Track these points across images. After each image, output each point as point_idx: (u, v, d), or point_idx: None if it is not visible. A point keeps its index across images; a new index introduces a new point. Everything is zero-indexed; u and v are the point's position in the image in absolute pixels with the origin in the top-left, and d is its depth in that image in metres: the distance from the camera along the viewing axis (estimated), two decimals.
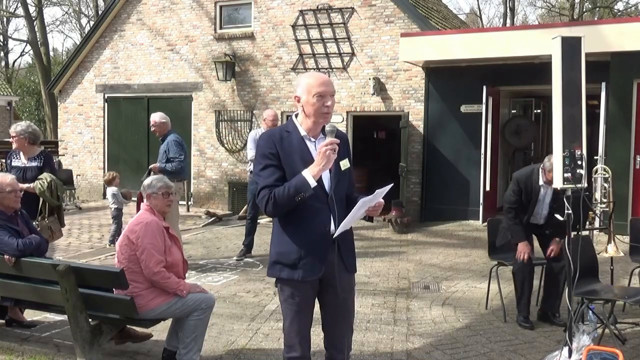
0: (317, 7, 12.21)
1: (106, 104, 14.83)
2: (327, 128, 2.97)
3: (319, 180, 2.93)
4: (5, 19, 36.91)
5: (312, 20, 12.30)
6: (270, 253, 3.11)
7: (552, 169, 4.79)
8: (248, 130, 12.74)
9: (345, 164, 3.09)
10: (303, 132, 3.04)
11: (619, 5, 30.28)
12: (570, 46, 3.92)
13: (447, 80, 11.23)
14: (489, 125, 10.67)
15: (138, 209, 5.59)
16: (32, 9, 27.69)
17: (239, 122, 13.18)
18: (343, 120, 11.98)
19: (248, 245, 8.13)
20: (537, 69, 9.55)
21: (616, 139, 9.57)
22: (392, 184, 3.12)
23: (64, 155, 15.22)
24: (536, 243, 5.64)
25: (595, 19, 28.29)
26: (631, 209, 9.44)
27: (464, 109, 11.09)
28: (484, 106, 10.55)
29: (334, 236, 2.99)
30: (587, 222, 6.76)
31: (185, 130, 13.19)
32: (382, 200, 3.03)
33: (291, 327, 3.08)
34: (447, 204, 11.13)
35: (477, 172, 10.77)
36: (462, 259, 8.11)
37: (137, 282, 4.16)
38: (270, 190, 2.93)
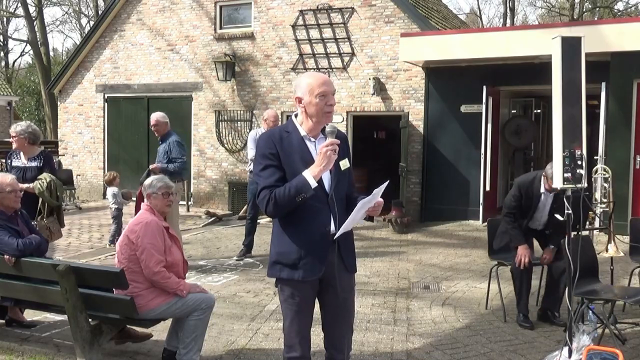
0: (317, 7, 12.21)
1: (106, 104, 14.83)
2: (328, 129, 2.97)
3: (319, 181, 2.93)
4: (5, 19, 36.92)
5: (312, 20, 12.30)
6: (270, 253, 3.11)
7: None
8: (248, 130, 12.74)
9: (345, 164, 3.09)
10: (303, 132, 3.04)
11: (619, 5, 30.32)
12: (570, 46, 3.92)
13: (447, 80, 11.23)
14: (489, 125, 10.67)
15: (138, 208, 5.60)
16: (32, 9, 27.70)
17: (239, 122, 13.19)
18: (343, 120, 11.98)
19: (248, 245, 8.13)
20: (537, 69, 9.55)
21: (616, 139, 9.57)
22: (388, 181, 3.12)
23: (64, 155, 15.22)
24: (536, 243, 5.65)
25: (595, 19, 28.29)
26: (631, 209, 9.44)
27: (464, 109, 11.09)
28: (484, 106, 10.55)
29: (335, 238, 2.99)
30: (587, 222, 6.76)
31: (185, 130, 13.20)
32: (381, 200, 3.03)
33: (291, 327, 3.08)
34: (447, 204, 11.13)
35: (477, 172, 10.77)
36: (462, 259, 8.11)
37: (137, 282, 4.16)
38: (271, 191, 2.93)
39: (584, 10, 29.40)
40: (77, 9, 36.73)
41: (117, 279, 4.09)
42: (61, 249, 8.39)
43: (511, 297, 5.56)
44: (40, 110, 31.02)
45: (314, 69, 12.13)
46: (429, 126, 11.44)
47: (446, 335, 5.07)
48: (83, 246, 9.03)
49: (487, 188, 10.65)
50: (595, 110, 10.36)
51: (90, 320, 4.25)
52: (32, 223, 5.18)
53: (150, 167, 7.16)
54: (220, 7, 13.40)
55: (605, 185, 8.33)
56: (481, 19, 36.53)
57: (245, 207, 9.84)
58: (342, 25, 12.04)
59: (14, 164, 5.88)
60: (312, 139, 3.05)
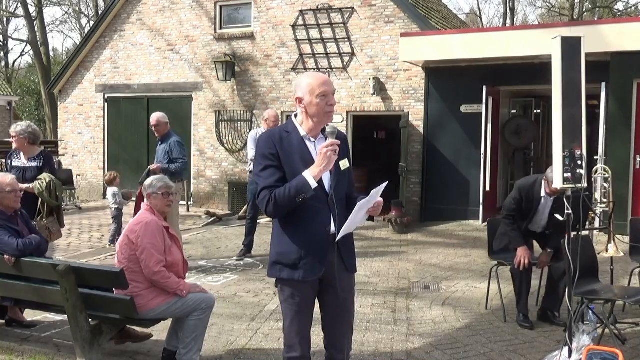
0: (317, 7, 12.21)
1: (106, 104, 14.83)
2: (328, 129, 2.97)
3: (319, 181, 2.93)
4: (5, 19, 36.92)
5: (312, 20, 12.31)
6: (270, 253, 3.11)
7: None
8: (248, 130, 12.74)
9: (344, 164, 3.09)
10: (303, 133, 3.04)
11: (619, 5, 30.33)
12: (570, 46, 3.92)
13: (447, 80, 11.23)
14: (489, 125, 10.67)
15: (138, 208, 5.60)
16: (32, 9, 27.70)
17: (239, 122, 13.19)
18: (343, 120, 11.98)
19: (248, 245, 8.13)
20: (537, 69, 9.54)
21: (616, 139, 9.57)
22: (387, 182, 3.12)
23: (64, 155, 15.22)
24: (536, 244, 5.65)
25: (595, 19, 28.29)
26: (631, 209, 9.44)
27: (464, 109, 11.09)
28: (484, 106, 10.55)
29: (337, 240, 2.99)
30: (587, 222, 6.75)
31: (185, 130, 13.20)
32: (381, 199, 3.03)
33: (291, 327, 3.08)
34: (447, 204, 11.13)
35: (477, 172, 10.77)
36: (462, 259, 8.11)
37: (137, 282, 4.16)
38: (271, 191, 2.93)
39: (584, 10, 29.40)
40: (77, 9, 36.75)
41: (117, 279, 4.09)
42: (61, 249, 8.39)
43: (511, 297, 5.56)
44: (40, 110, 31.03)
45: (314, 69, 12.13)
46: (429, 126, 11.44)
47: (446, 335, 5.07)
48: (83, 246, 9.03)
49: (487, 188, 10.65)
50: (595, 110, 10.36)
51: (90, 320, 4.25)
52: (32, 223, 5.18)
53: (151, 167, 7.14)
54: (220, 7, 13.40)
55: (605, 185, 8.33)
56: (481, 19, 36.55)
57: (245, 207, 9.84)
58: (342, 25, 12.04)
59: (14, 164, 5.88)
60: (312, 139, 3.05)
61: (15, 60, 40.39)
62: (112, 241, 8.71)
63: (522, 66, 10.37)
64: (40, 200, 5.69)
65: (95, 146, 15.00)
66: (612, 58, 9.48)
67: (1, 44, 37.48)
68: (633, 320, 5.25)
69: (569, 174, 3.90)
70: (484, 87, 10.50)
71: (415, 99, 11.55)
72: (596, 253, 5.12)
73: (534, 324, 5.21)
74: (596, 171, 8.44)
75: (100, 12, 21.73)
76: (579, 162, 3.91)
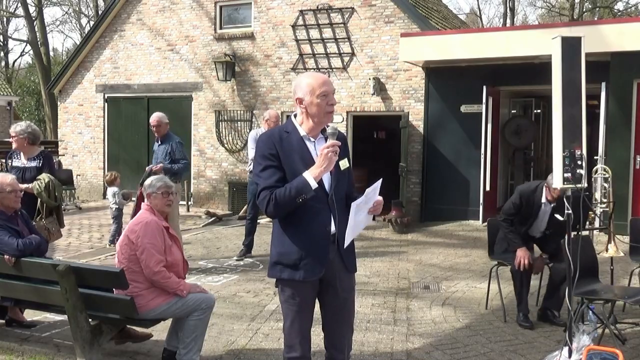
0: (317, 7, 12.21)
1: (106, 104, 14.83)
2: (329, 130, 2.98)
3: (319, 181, 2.93)
4: (5, 19, 36.91)
5: (312, 20, 12.31)
6: (270, 253, 3.11)
7: (556, 187, 4.85)
8: (248, 130, 12.74)
9: (344, 164, 3.09)
10: (303, 133, 3.04)
11: (619, 5, 30.32)
12: (570, 46, 3.92)
13: (447, 80, 11.23)
14: (489, 125, 10.67)
15: (138, 208, 5.60)
16: (32, 9, 27.71)
17: (239, 122, 13.18)
18: (343, 120, 11.98)
19: (248, 245, 8.13)
20: (537, 69, 9.55)
21: (616, 139, 9.57)
22: (381, 179, 3.13)
23: (64, 155, 15.23)
24: (536, 246, 5.65)
25: (595, 19, 28.29)
26: (631, 209, 9.44)
27: (464, 109, 11.09)
28: (484, 106, 10.55)
29: (344, 246, 3.00)
30: (587, 222, 6.75)
31: (185, 130, 13.21)
32: (380, 198, 3.04)
33: (292, 328, 3.08)
34: (447, 204, 11.13)
35: (477, 172, 10.77)
36: (462, 259, 8.11)
37: (137, 282, 4.16)
38: (271, 192, 2.93)
39: (584, 10, 29.40)
40: (77, 9, 36.75)
41: (117, 279, 4.09)
42: (61, 249, 8.39)
43: (511, 297, 5.56)
44: (40, 110, 31.03)
45: (314, 69, 12.13)
46: (429, 126, 11.44)
47: (446, 335, 5.07)
48: (83, 246, 9.03)
49: (487, 188, 10.65)
50: (595, 110, 10.36)
51: (90, 320, 4.25)
52: (32, 223, 5.18)
53: (153, 168, 7.09)
54: (220, 7, 13.40)
55: (605, 185, 8.33)
56: (481, 19, 36.54)
57: (245, 207, 9.84)
58: (342, 25, 12.04)
59: (14, 164, 5.88)
60: (312, 139, 3.05)
61: (15, 60, 40.46)
62: (112, 241, 8.71)
63: (522, 66, 10.37)
64: (39, 200, 5.68)
65: (95, 146, 15.00)
66: (612, 58, 9.48)
67: (1, 44, 37.48)
68: (633, 320, 5.24)
69: (569, 174, 3.90)
70: (484, 87, 10.50)
71: (415, 99, 11.55)
72: (596, 253, 5.12)
73: (534, 324, 5.21)
74: (596, 171, 8.44)
75: (100, 12, 21.74)
76: (579, 162, 3.91)
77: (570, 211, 3.98)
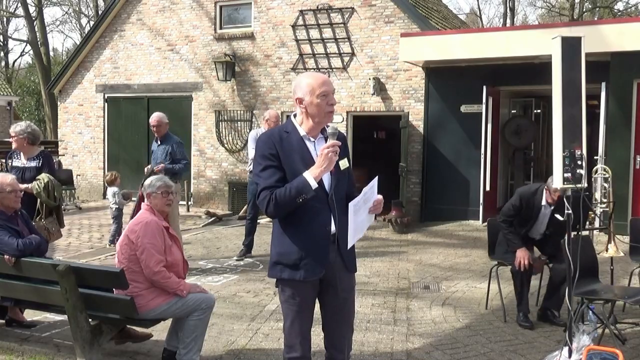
0: (317, 7, 12.21)
1: (106, 104, 14.83)
2: (329, 130, 2.98)
3: (319, 181, 2.93)
4: (5, 19, 36.91)
5: (312, 20, 12.30)
6: (270, 254, 3.11)
7: (556, 190, 4.87)
8: (248, 130, 12.75)
9: (344, 163, 3.09)
10: (302, 132, 3.03)
11: (619, 5, 30.32)
12: (570, 46, 3.92)
13: (447, 80, 11.23)
14: (489, 125, 10.67)
15: (138, 209, 5.60)
16: (32, 9, 27.71)
17: (239, 122, 13.18)
18: (343, 120, 11.98)
19: (248, 245, 8.13)
20: (537, 69, 9.54)
21: (616, 139, 9.57)
22: (376, 177, 3.13)
23: (64, 155, 15.23)
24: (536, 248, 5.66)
25: (595, 19, 28.29)
26: (631, 209, 9.44)
27: (464, 109, 11.09)
28: (484, 106, 10.55)
29: (348, 248, 3.00)
30: (587, 222, 6.76)
31: (185, 130, 13.21)
32: (380, 197, 3.05)
33: (292, 328, 3.08)
34: (447, 204, 11.13)
35: (477, 172, 10.77)
36: (462, 259, 8.11)
37: (137, 282, 4.16)
38: (271, 192, 2.93)
39: (584, 10, 29.40)
40: (77, 9, 36.75)
41: (117, 279, 4.09)
42: (61, 249, 8.39)
43: (511, 297, 5.56)
44: (40, 110, 31.03)
45: (314, 69, 12.14)
46: (429, 126, 11.44)
47: (446, 335, 5.07)
48: (83, 246, 9.03)
49: (487, 188, 10.65)
50: (595, 110, 10.37)
51: (90, 320, 4.25)
52: (32, 223, 5.18)
53: (155, 169, 7.09)
54: (220, 7, 13.39)
55: (605, 185, 8.33)
56: (481, 19, 36.54)
57: (245, 207, 9.84)
58: (342, 25, 12.04)
59: (14, 164, 5.88)
60: (312, 139, 3.05)
61: (15, 60, 40.46)
62: (112, 241, 8.71)
63: (522, 66, 10.37)
64: (39, 200, 5.68)
65: (95, 146, 15.00)
66: (612, 58, 9.48)
67: (1, 44, 37.48)
68: (633, 320, 5.24)
69: (569, 174, 3.90)
70: (484, 87, 10.50)
71: (415, 99, 11.55)
72: (596, 253, 5.12)
73: (534, 324, 5.21)
74: (596, 171, 8.44)
75: (100, 12, 21.74)
76: (579, 162, 3.91)
77: (570, 211, 3.98)
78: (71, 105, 15.30)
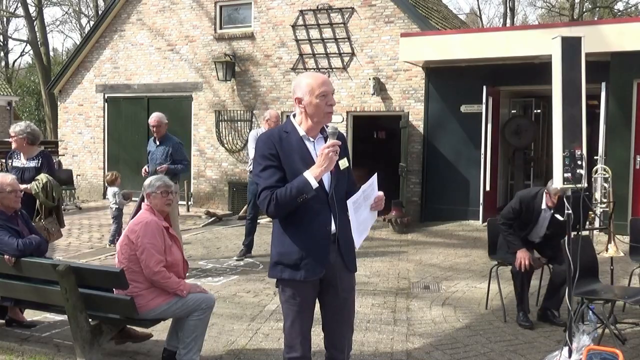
0: (317, 7, 12.21)
1: (106, 104, 14.83)
2: (329, 130, 2.98)
3: (320, 181, 2.94)
4: (5, 19, 36.91)
5: (312, 20, 12.30)
6: (271, 254, 3.11)
7: (556, 193, 4.87)
8: (248, 130, 12.75)
9: (344, 163, 3.09)
10: (302, 132, 3.04)
11: (619, 5, 30.32)
12: (570, 46, 3.92)
13: (447, 80, 11.23)
14: (489, 125, 10.67)
15: (138, 209, 5.60)
16: (32, 9, 27.70)
17: (239, 122, 13.18)
18: (343, 120, 11.98)
19: (248, 245, 8.13)
20: (537, 69, 9.55)
21: (616, 139, 9.57)
22: (375, 174, 3.13)
23: (64, 155, 15.23)
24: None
25: (595, 19, 28.29)
26: (631, 209, 9.44)
27: (464, 109, 11.09)
28: (484, 106, 10.55)
29: (357, 248, 3.02)
30: (587, 222, 6.76)
31: (185, 130, 13.21)
32: (380, 193, 3.07)
33: (292, 328, 3.08)
34: (447, 204, 11.13)
35: (477, 172, 10.77)
36: (462, 259, 8.11)
37: (137, 282, 4.16)
38: (272, 192, 2.93)
39: (584, 10, 29.40)
40: (77, 9, 36.75)
41: (117, 279, 4.09)
42: (61, 249, 8.39)
43: (511, 297, 5.56)
44: (40, 110, 31.03)
45: (314, 69, 12.14)
46: (429, 126, 11.44)
47: (446, 335, 5.07)
48: (83, 246, 9.03)
49: (487, 188, 10.64)
50: (595, 110, 10.36)
51: (90, 320, 4.25)
52: (32, 223, 5.18)
53: (158, 169, 7.10)
54: (220, 7, 13.39)
55: (605, 185, 8.33)
56: (481, 19, 36.54)
57: (245, 207, 9.85)
58: (342, 25, 12.04)
59: (14, 164, 5.88)
60: (311, 139, 3.05)
61: (15, 60, 40.45)
62: (112, 241, 8.71)
63: (522, 66, 10.37)
64: (38, 200, 5.68)
65: (95, 146, 15.00)
66: (612, 58, 9.48)
67: (1, 44, 37.48)
68: (633, 320, 5.25)
69: (569, 174, 3.90)
70: (484, 87, 10.50)
71: (415, 99, 11.55)
72: (596, 253, 5.11)
73: (534, 324, 5.21)
74: (596, 171, 8.44)
75: (100, 12, 21.74)
76: (579, 162, 3.91)
77: (570, 211, 3.98)
78: (71, 105, 15.30)
